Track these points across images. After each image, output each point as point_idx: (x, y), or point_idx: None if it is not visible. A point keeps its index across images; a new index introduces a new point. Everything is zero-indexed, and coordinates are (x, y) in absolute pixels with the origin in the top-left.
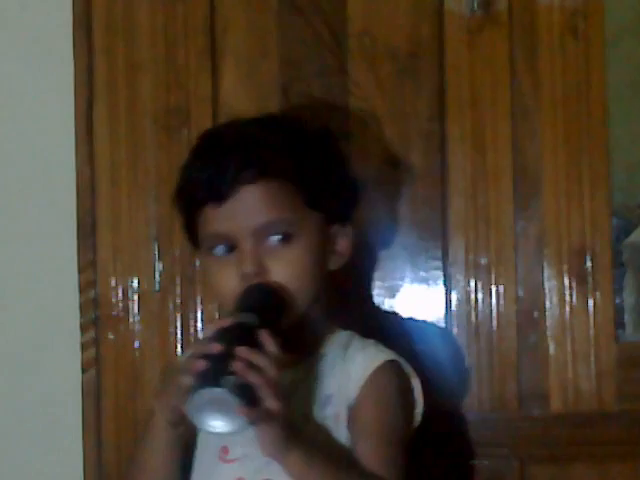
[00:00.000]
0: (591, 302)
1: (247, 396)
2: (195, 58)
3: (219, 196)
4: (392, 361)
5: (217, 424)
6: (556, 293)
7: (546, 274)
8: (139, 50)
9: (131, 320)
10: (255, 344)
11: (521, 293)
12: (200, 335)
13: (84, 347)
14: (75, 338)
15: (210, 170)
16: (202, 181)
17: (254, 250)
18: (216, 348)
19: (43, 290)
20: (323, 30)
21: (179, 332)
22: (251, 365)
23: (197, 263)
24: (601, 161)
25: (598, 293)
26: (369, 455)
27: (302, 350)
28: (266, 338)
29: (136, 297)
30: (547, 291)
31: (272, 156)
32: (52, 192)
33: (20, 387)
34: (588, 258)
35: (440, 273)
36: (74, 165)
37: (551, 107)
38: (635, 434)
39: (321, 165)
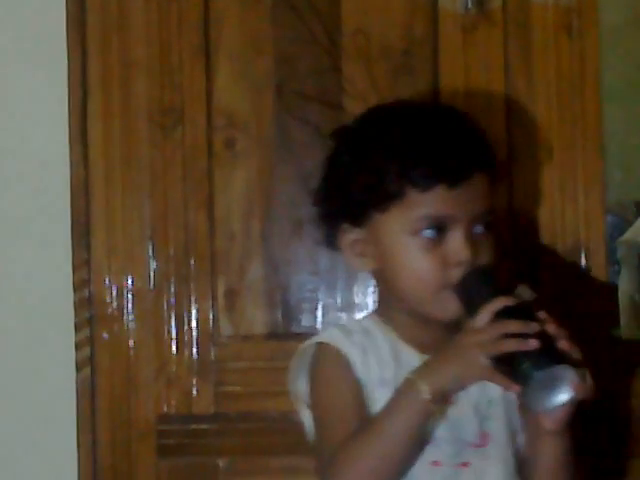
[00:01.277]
0: None
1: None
2: (189, 56)
3: (457, 179)
4: None
5: (544, 400)
6: None
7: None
8: (133, 49)
9: (125, 319)
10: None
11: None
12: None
13: (78, 346)
14: (69, 337)
15: (451, 152)
16: (442, 162)
17: (469, 237)
18: (534, 327)
19: (37, 289)
20: (317, 28)
21: (173, 331)
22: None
23: (191, 262)
24: (595, 159)
25: None
26: None
27: None
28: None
29: (130, 296)
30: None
31: (490, 147)
32: (46, 191)
33: (14, 386)
34: (583, 255)
35: None
36: (68, 164)
37: (545, 105)
38: (629, 433)
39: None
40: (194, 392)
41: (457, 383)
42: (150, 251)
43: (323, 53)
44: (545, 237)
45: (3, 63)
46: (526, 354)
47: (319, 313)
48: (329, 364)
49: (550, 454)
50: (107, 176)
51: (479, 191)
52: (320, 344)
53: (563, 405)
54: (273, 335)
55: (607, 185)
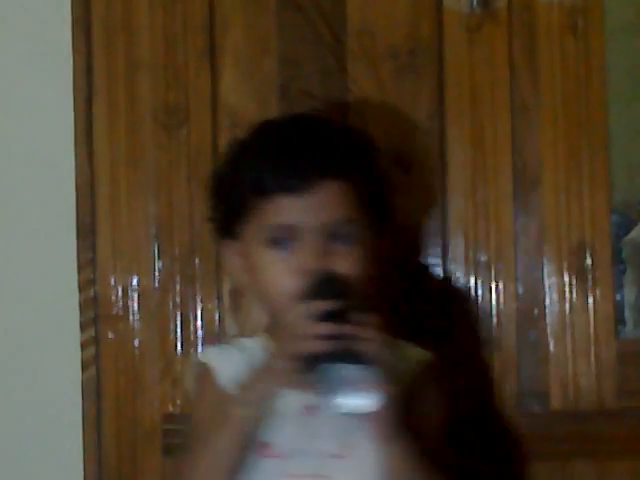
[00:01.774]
0: (591, 299)
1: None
2: (194, 57)
3: (299, 187)
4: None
5: (345, 402)
6: (556, 290)
7: (546, 271)
8: (138, 49)
9: (131, 319)
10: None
11: (521, 290)
12: (199, 334)
13: (84, 346)
14: (75, 337)
15: (293, 160)
16: (283, 170)
17: (320, 247)
18: (342, 328)
19: (42, 289)
20: (322, 28)
21: (179, 330)
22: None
23: (197, 261)
24: (601, 158)
25: (598, 290)
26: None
27: None
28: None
29: (136, 296)
30: (547, 288)
31: (350, 155)
32: (52, 191)
33: (20, 386)
34: (588, 255)
35: (440, 270)
36: (74, 164)
37: (551, 105)
38: (635, 431)
39: (378, 170)
40: None
41: (264, 392)
42: (155, 251)
43: (328, 53)
44: (550, 236)
45: (8, 63)
46: (325, 356)
47: None
48: (202, 383)
49: (386, 464)
50: (112, 176)
51: (330, 200)
52: (198, 363)
53: (361, 408)
54: None
55: (612, 184)
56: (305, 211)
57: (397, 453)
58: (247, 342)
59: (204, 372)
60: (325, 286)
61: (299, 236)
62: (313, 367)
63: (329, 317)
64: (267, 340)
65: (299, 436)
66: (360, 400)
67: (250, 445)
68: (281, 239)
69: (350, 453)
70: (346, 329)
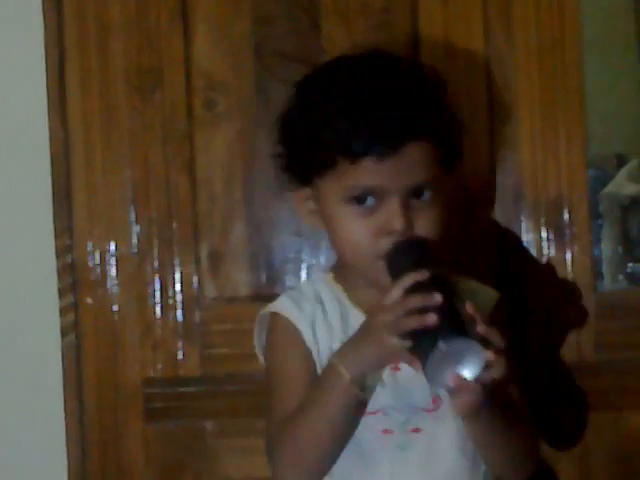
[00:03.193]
0: (569, 254)
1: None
2: (167, 18)
3: (386, 150)
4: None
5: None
6: (534, 245)
7: (523, 227)
8: (110, 11)
9: (109, 284)
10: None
11: None
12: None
13: (63, 312)
14: (54, 303)
15: (380, 123)
16: (370, 134)
17: (404, 207)
18: (439, 300)
19: (20, 256)
20: None
21: (157, 295)
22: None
23: (174, 225)
24: (576, 112)
25: (576, 245)
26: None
27: None
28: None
29: (113, 261)
30: (525, 244)
31: (432, 115)
32: (26, 157)
33: None
34: (565, 210)
35: None
36: (47, 129)
37: (526, 59)
38: (614, 383)
39: (456, 124)
40: (180, 355)
41: (374, 365)
42: (132, 215)
43: (301, 12)
44: (527, 191)
45: None
46: (429, 329)
47: (303, 274)
48: (280, 334)
49: (471, 436)
50: (87, 141)
51: (414, 161)
52: (273, 314)
53: (464, 380)
54: (257, 297)
55: (588, 138)
56: (391, 174)
57: (484, 429)
58: (313, 287)
59: (279, 324)
60: (409, 250)
61: (382, 196)
62: (417, 342)
63: (423, 288)
64: (334, 280)
65: (390, 392)
66: (469, 373)
67: (360, 410)
68: (362, 198)
69: (441, 405)
70: (444, 301)
